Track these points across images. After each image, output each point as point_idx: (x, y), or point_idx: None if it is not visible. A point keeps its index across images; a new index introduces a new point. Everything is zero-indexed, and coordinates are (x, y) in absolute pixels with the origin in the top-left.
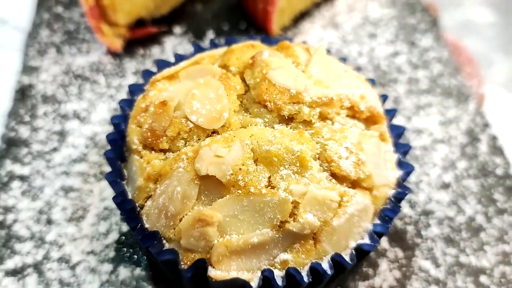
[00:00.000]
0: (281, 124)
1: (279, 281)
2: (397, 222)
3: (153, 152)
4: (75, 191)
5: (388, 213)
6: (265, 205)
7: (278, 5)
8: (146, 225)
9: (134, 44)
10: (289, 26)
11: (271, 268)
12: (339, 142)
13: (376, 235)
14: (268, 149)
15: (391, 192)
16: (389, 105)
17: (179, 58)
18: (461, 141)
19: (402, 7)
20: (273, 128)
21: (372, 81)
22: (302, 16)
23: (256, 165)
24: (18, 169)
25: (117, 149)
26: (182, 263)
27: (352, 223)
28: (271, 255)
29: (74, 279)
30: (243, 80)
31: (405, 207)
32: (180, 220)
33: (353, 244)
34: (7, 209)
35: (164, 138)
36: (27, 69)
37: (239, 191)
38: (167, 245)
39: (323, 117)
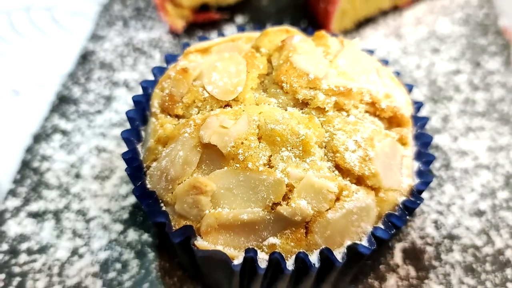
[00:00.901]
0: (295, 108)
1: (263, 265)
2: (417, 240)
3: (168, 116)
4: (107, 152)
5: (393, 220)
6: (260, 183)
7: (339, 6)
8: (148, 186)
9: (195, 27)
10: (350, 30)
11: (258, 250)
12: (348, 134)
13: (375, 239)
14: (273, 128)
15: (401, 198)
16: (437, 122)
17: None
18: (508, 170)
19: (474, 26)
20: (286, 110)
21: (409, 86)
22: (366, 22)
23: (259, 142)
24: (62, 124)
25: (140, 111)
26: (172, 227)
27: (349, 221)
28: (260, 236)
29: (86, 231)
30: (270, 62)
31: (429, 227)
32: (178, 185)
33: (348, 243)
34: (44, 158)
35: (180, 104)
36: (94, 37)
37: (237, 165)
38: (163, 209)
39: (338, 107)
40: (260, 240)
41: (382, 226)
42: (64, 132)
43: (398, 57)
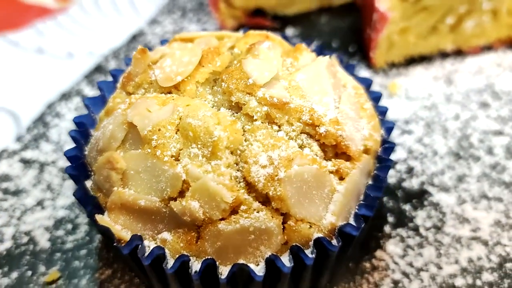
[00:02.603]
0: (229, 110)
1: (148, 254)
2: None
3: (123, 93)
4: None
5: (301, 254)
6: (162, 173)
7: (383, 35)
8: (85, 152)
9: (244, 30)
10: (398, 64)
11: (151, 241)
12: (265, 148)
13: (270, 266)
14: (189, 122)
15: (317, 235)
16: (451, 180)
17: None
18: (509, 252)
19: None
20: (219, 109)
21: (390, 124)
22: (420, 60)
23: (176, 133)
24: (86, 89)
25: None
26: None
27: (245, 239)
28: (156, 228)
29: (58, 188)
30: None
31: (386, 286)
32: (100, 157)
33: (241, 262)
34: (57, 115)
35: (133, 82)
36: (152, 21)
37: (149, 150)
38: (90, 181)
39: (270, 119)
40: (156, 231)
41: (286, 257)
42: (83, 97)
43: (439, 102)
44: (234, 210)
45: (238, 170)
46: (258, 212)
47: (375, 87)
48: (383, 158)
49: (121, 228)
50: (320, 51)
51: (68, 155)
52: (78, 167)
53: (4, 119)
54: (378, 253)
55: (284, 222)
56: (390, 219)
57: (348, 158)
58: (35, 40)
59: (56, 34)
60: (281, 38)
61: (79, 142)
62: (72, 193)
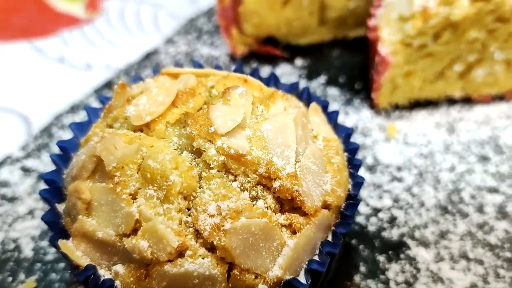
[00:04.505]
0: (192, 154)
1: (99, 284)
2: None
3: (104, 123)
4: None
5: None
6: (120, 210)
7: (385, 78)
8: (63, 176)
9: (254, 56)
10: (402, 107)
11: (106, 270)
12: (215, 198)
13: None
14: (148, 164)
15: (262, 286)
16: (432, 235)
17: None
18: None
19: None
20: (182, 152)
21: (360, 179)
22: (425, 104)
23: (137, 172)
24: (93, 103)
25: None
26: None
27: (189, 283)
28: (112, 259)
29: None
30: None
31: None
32: (70, 185)
33: None
34: (61, 127)
35: (111, 115)
36: (168, 41)
37: (111, 185)
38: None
39: (227, 169)
40: (111, 262)
41: None
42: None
43: (437, 151)
44: (181, 254)
45: (188, 215)
46: (203, 258)
47: (373, 129)
48: (345, 215)
49: (82, 254)
50: (307, 95)
51: (45, 178)
52: (52, 191)
53: (16, 122)
54: None
55: (230, 270)
56: (362, 268)
57: (304, 212)
58: (58, 49)
59: (78, 45)
60: (260, 83)
61: (58, 166)
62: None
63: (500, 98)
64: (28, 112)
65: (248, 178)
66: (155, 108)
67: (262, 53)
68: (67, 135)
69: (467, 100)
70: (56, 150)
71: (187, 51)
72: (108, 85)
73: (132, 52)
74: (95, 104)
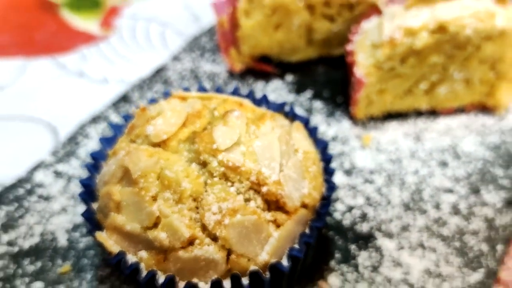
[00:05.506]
0: (198, 165)
1: (128, 266)
2: None
3: (128, 138)
4: None
5: (233, 277)
6: (144, 209)
7: (361, 95)
8: (96, 180)
9: (250, 72)
10: (376, 118)
11: (133, 256)
12: (217, 200)
13: (215, 285)
14: (166, 173)
15: (253, 267)
16: (396, 228)
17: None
18: None
19: (501, 155)
20: (190, 164)
21: (332, 185)
22: (397, 116)
23: (157, 180)
24: (112, 116)
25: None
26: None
27: (198, 264)
28: (137, 247)
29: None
30: None
31: None
32: (103, 188)
33: (194, 281)
34: (86, 136)
35: (134, 132)
36: (174, 58)
37: (137, 189)
38: (97, 203)
39: (226, 177)
40: (137, 249)
41: (228, 281)
42: (109, 122)
43: (404, 157)
44: (191, 242)
45: (197, 213)
46: (208, 246)
47: (351, 137)
48: (319, 212)
49: (113, 243)
50: (292, 113)
51: (82, 183)
52: (88, 193)
53: (45, 132)
54: (320, 283)
55: (229, 255)
56: (337, 255)
57: (286, 211)
58: (78, 64)
59: (96, 60)
60: (253, 106)
61: (92, 172)
62: (81, 213)
63: (461, 110)
64: (54, 122)
65: (243, 184)
66: (170, 128)
67: (257, 70)
68: (91, 142)
69: (432, 112)
70: (82, 155)
71: (192, 68)
72: (124, 98)
73: (143, 67)
74: (114, 116)
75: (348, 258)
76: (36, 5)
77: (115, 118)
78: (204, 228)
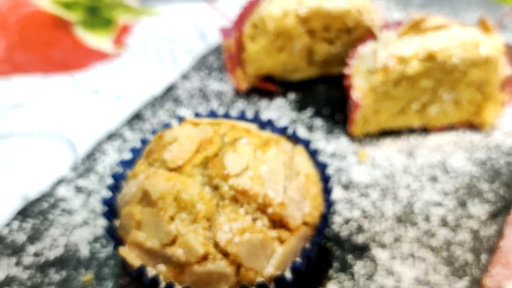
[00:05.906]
0: (211, 188)
1: (149, 279)
2: None
3: (146, 161)
4: None
5: None
6: (162, 227)
7: (358, 114)
8: (117, 199)
9: (255, 91)
10: (372, 135)
11: (152, 269)
12: (228, 220)
13: None
14: (181, 196)
15: (260, 279)
16: (388, 239)
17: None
18: None
19: (487, 171)
20: (204, 187)
21: (330, 203)
22: (391, 133)
23: (174, 201)
24: (127, 133)
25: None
26: (116, 235)
27: (211, 277)
28: (156, 261)
29: (99, 210)
30: None
31: None
32: (124, 208)
33: None
34: (103, 153)
35: (152, 156)
36: (184, 76)
37: (156, 210)
38: (118, 220)
39: (236, 199)
40: (156, 263)
41: None
42: (124, 139)
43: (397, 172)
44: (205, 258)
45: (210, 232)
46: (220, 261)
47: (349, 154)
48: (319, 228)
49: (134, 257)
50: (294, 136)
51: (105, 203)
52: (110, 211)
53: (64, 147)
54: None
55: (238, 268)
56: (335, 264)
57: (289, 228)
58: (94, 81)
59: (110, 78)
60: (259, 132)
61: (114, 192)
62: (105, 229)
63: (450, 127)
64: (73, 137)
65: (251, 206)
66: (184, 154)
67: (262, 89)
68: (108, 158)
69: (424, 130)
70: (100, 170)
71: (200, 87)
72: (138, 116)
73: (154, 84)
74: (128, 133)
75: (345, 267)
76: (51, 23)
77: (130, 135)
78: (216, 245)
